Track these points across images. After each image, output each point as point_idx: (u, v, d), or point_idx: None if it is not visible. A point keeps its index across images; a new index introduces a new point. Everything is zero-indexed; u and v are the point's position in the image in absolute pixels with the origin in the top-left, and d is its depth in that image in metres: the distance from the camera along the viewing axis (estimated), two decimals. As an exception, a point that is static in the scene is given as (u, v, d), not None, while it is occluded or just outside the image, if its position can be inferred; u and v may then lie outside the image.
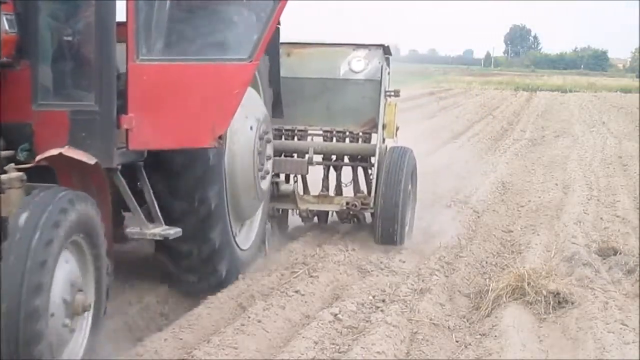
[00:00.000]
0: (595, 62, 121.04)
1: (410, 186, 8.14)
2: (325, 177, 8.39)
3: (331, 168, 8.43)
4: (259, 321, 5.47)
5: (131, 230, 5.38)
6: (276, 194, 7.89)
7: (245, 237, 7.01)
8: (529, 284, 6.33)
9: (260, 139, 6.72)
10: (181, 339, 5.10)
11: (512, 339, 5.48)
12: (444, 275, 7.10)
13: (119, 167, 5.16)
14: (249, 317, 5.51)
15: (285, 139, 8.38)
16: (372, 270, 7.14)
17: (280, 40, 7.39)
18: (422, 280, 6.81)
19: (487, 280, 7.01)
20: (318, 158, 8.31)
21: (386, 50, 8.41)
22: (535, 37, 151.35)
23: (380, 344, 5.15)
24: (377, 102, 8.19)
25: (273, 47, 6.99)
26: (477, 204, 10.52)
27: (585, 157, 16.46)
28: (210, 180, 5.93)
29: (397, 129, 8.50)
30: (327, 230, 8.53)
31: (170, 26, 5.49)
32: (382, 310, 5.94)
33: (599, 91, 48.82)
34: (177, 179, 5.80)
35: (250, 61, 5.39)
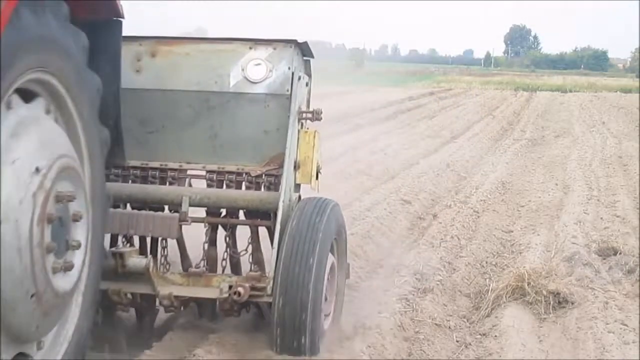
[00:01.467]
0: (595, 62, 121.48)
1: (334, 259, 5.22)
2: (210, 243, 5.36)
3: (220, 228, 5.36)
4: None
5: None
6: (121, 272, 4.80)
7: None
8: (529, 284, 6.33)
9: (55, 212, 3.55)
10: (186, 337, 5.09)
11: (512, 339, 5.49)
12: (446, 274, 7.10)
13: None
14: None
15: (151, 182, 5.35)
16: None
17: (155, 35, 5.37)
18: (426, 280, 6.83)
19: (487, 280, 7.01)
20: (199, 212, 5.31)
21: (303, 49, 5.38)
22: (535, 37, 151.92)
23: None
24: (285, 128, 5.19)
25: (109, 50, 4.45)
26: (477, 204, 10.53)
27: (585, 157, 16.45)
28: None
29: (319, 170, 5.37)
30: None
31: None
32: (383, 310, 5.94)
33: (599, 91, 48.91)
34: None
35: None
